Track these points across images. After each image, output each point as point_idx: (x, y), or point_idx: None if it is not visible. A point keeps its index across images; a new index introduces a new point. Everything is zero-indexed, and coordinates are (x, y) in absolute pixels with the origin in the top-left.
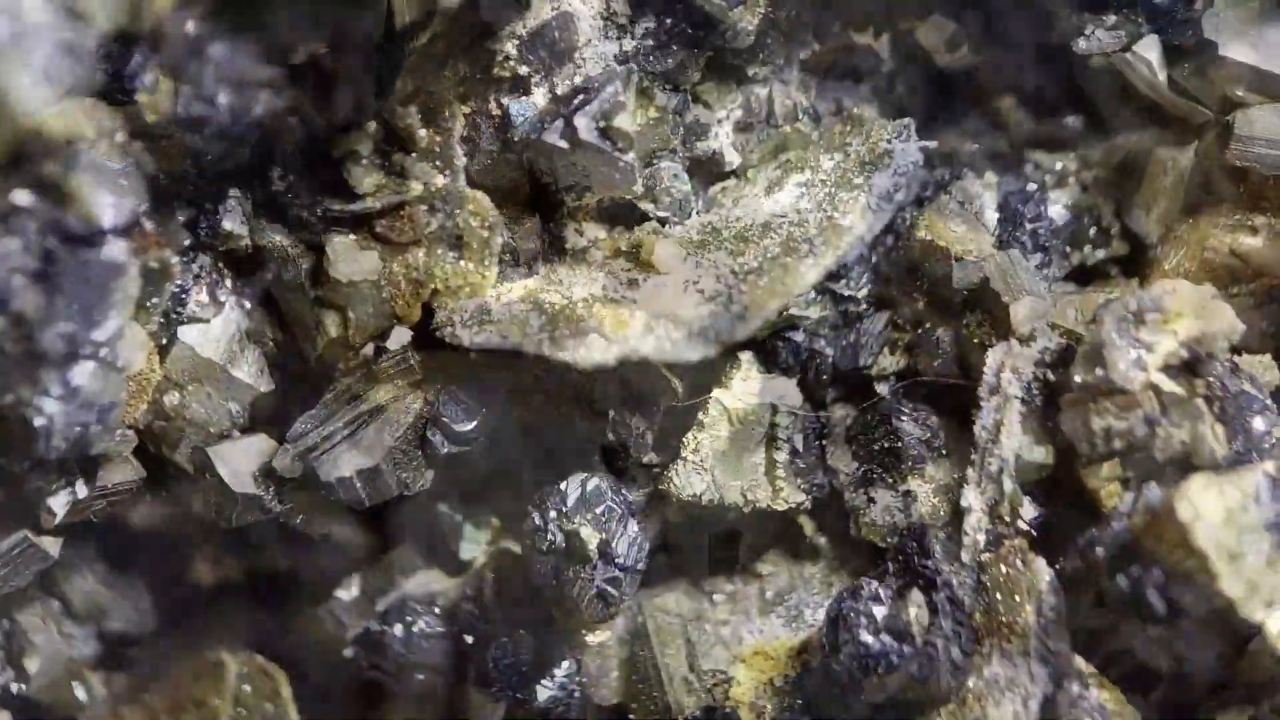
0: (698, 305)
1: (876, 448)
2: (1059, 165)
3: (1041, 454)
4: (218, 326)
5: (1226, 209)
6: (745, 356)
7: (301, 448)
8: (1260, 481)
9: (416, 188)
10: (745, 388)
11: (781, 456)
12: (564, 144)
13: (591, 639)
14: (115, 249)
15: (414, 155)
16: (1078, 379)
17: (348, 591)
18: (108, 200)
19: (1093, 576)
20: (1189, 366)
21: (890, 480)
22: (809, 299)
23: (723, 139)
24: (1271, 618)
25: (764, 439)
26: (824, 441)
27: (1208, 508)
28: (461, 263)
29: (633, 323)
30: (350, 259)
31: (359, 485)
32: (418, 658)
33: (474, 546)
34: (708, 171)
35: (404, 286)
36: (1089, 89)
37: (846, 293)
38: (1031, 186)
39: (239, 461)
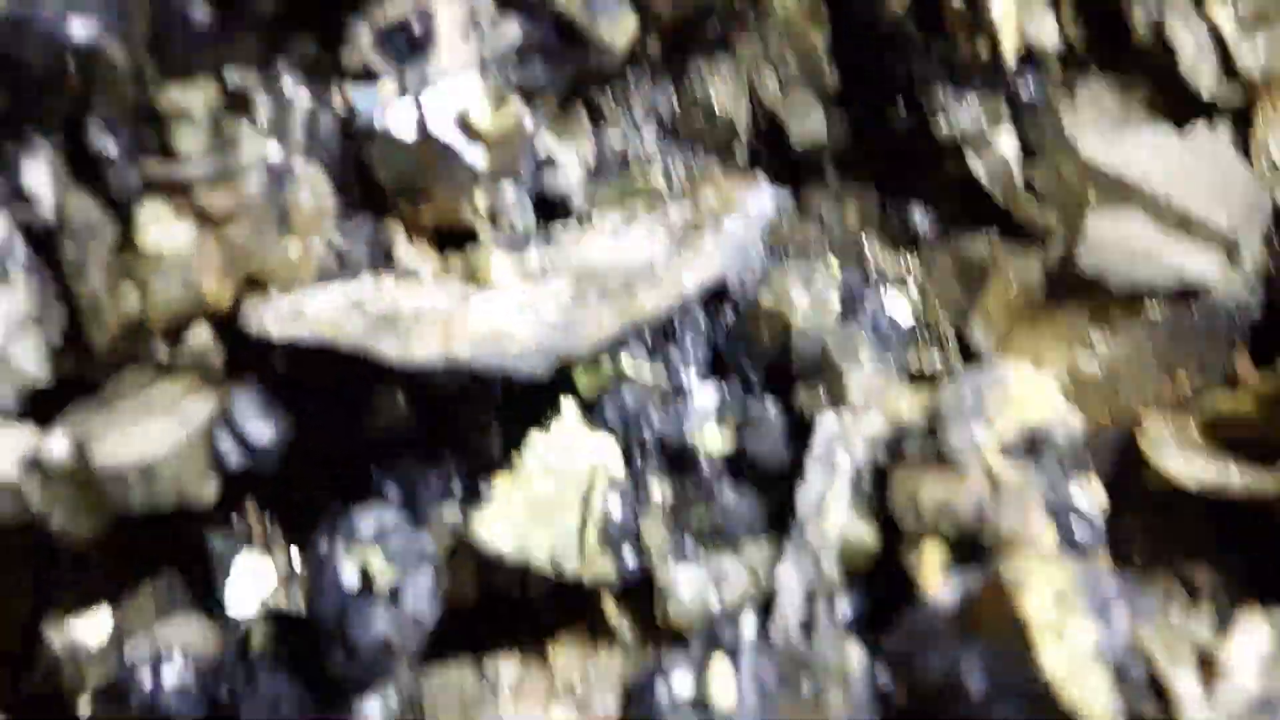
0: (534, 326)
1: (695, 522)
2: (901, 264)
3: (866, 531)
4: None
5: (1068, 319)
6: (569, 405)
7: (75, 433)
8: (1086, 570)
9: (249, 157)
10: (565, 441)
11: (594, 520)
12: (408, 133)
13: (364, 708)
14: None
15: (250, 123)
16: (912, 450)
17: (95, 634)
18: None
19: (910, 657)
20: (1026, 449)
21: (705, 558)
22: (641, 360)
23: (572, 180)
24: (1095, 704)
25: (581, 501)
26: (639, 517)
27: (1036, 581)
28: (284, 242)
29: (462, 332)
30: (162, 226)
31: (133, 482)
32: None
33: (246, 591)
34: (552, 209)
35: (217, 264)
36: (939, 192)
37: (679, 361)
38: (873, 279)
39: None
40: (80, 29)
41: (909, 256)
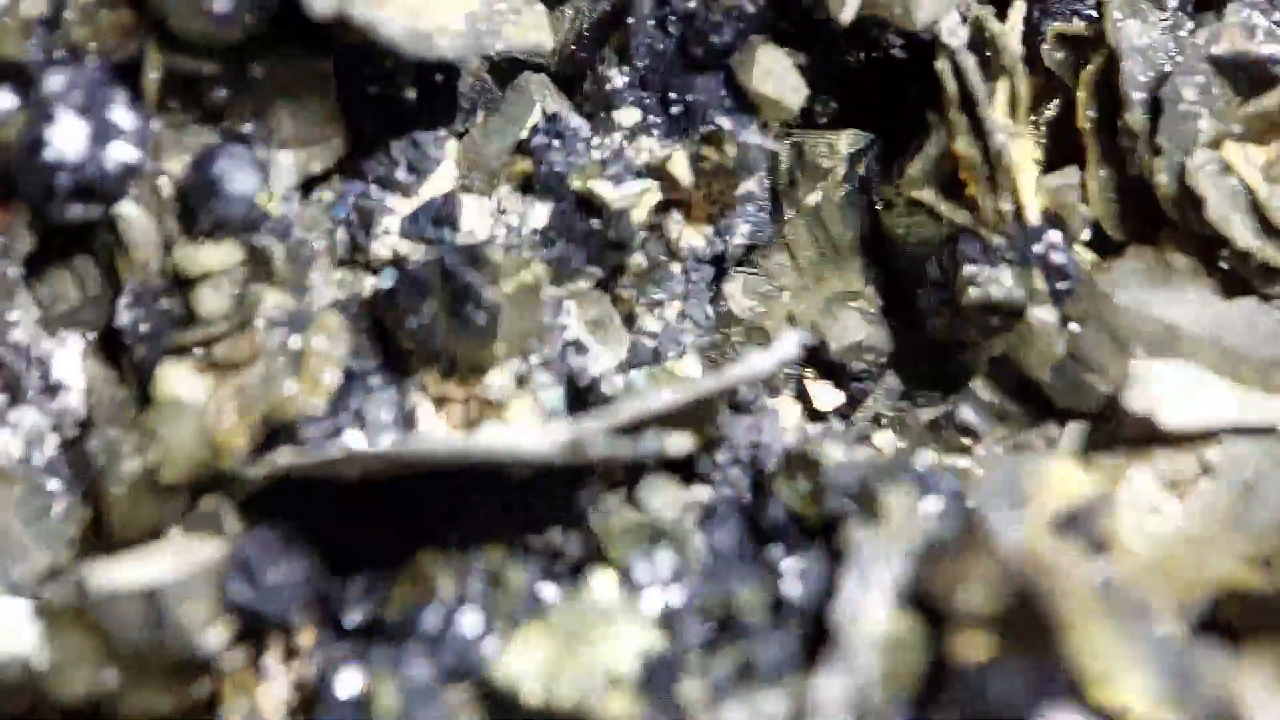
0: (551, 438)
1: (734, 666)
2: (959, 465)
3: (906, 626)
4: (21, 489)
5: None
6: (604, 576)
7: (79, 573)
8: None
9: (266, 309)
10: (597, 594)
11: (628, 670)
12: (429, 269)
13: None
14: None
15: (273, 283)
16: (953, 540)
17: None
18: None
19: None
20: (1067, 527)
21: (746, 698)
22: (676, 523)
23: (604, 370)
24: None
25: (612, 646)
26: (676, 664)
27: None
28: (297, 384)
29: (478, 435)
30: (177, 379)
31: (135, 615)
32: None
33: None
34: (583, 398)
35: (231, 409)
36: (987, 382)
37: (712, 525)
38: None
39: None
40: (111, 154)
41: (962, 459)
